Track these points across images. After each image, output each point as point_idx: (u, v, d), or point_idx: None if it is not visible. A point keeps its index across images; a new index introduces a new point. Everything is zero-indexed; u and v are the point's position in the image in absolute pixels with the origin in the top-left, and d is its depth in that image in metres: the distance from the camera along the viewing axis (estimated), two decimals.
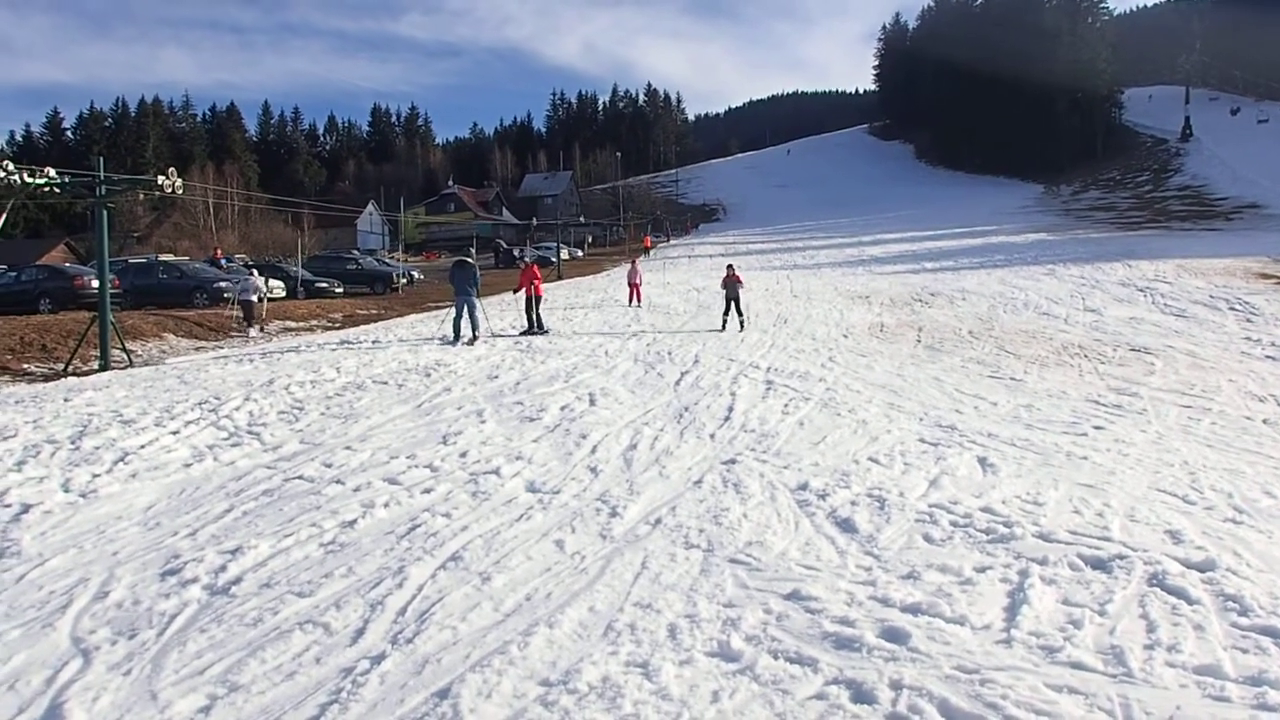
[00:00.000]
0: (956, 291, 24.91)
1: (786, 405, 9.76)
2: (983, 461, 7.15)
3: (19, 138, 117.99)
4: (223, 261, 30.48)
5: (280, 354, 15.09)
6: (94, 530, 5.47)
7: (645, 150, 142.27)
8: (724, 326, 17.72)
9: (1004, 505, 5.85)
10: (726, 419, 9.01)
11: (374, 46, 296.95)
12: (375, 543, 5.14)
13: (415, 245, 78.73)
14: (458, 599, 4.27)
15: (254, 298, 20.57)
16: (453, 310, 16.56)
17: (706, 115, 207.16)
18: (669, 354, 14.25)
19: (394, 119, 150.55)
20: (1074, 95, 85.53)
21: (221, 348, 17.35)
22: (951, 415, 9.33)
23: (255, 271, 22.96)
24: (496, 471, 6.78)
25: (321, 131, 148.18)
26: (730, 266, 19.01)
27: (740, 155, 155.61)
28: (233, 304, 21.34)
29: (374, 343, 16.69)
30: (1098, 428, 8.72)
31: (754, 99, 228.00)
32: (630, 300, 23.70)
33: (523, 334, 17.32)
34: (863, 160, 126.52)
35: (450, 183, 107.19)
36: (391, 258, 49.32)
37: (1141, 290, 23.84)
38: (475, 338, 15.88)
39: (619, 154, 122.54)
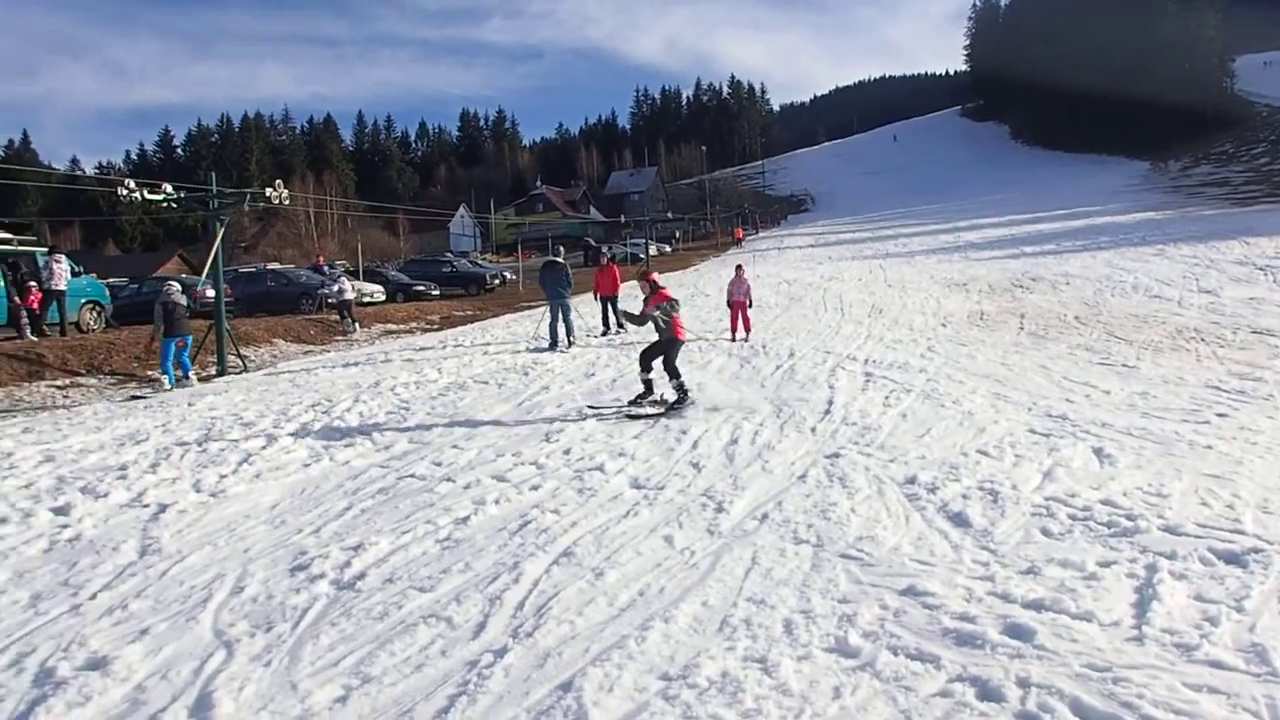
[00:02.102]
0: (1060, 276, 24.05)
1: (887, 397, 9.60)
2: (1099, 452, 6.91)
3: (134, 156, 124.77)
4: (325, 268, 31.56)
5: (383, 356, 15.58)
6: (225, 528, 5.76)
7: (730, 143, 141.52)
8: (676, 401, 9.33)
9: (1125, 497, 5.63)
10: (826, 412, 8.92)
11: (459, 52, 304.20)
12: (489, 539, 5.28)
13: (506, 245, 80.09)
14: (573, 594, 4.35)
15: (350, 297, 21.84)
16: (545, 314, 16.00)
17: (792, 104, 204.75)
18: (763, 347, 14.17)
19: (482, 123, 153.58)
20: (1181, 65, 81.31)
21: (328, 351, 18.00)
22: (1062, 404, 9.03)
23: (347, 274, 24.12)
24: (600, 468, 6.87)
25: (413, 138, 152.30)
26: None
27: (827, 144, 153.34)
28: (334, 307, 22.45)
29: (472, 343, 17.08)
30: (1221, 415, 8.31)
31: (840, 85, 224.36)
32: (734, 332, 15.68)
33: (602, 335, 16.99)
34: (955, 143, 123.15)
35: (538, 183, 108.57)
36: (485, 259, 50.33)
37: (1261, 269, 22.57)
38: (571, 343, 15.40)
39: (704, 148, 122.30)
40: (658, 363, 9.43)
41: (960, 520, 5.28)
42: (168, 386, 13.29)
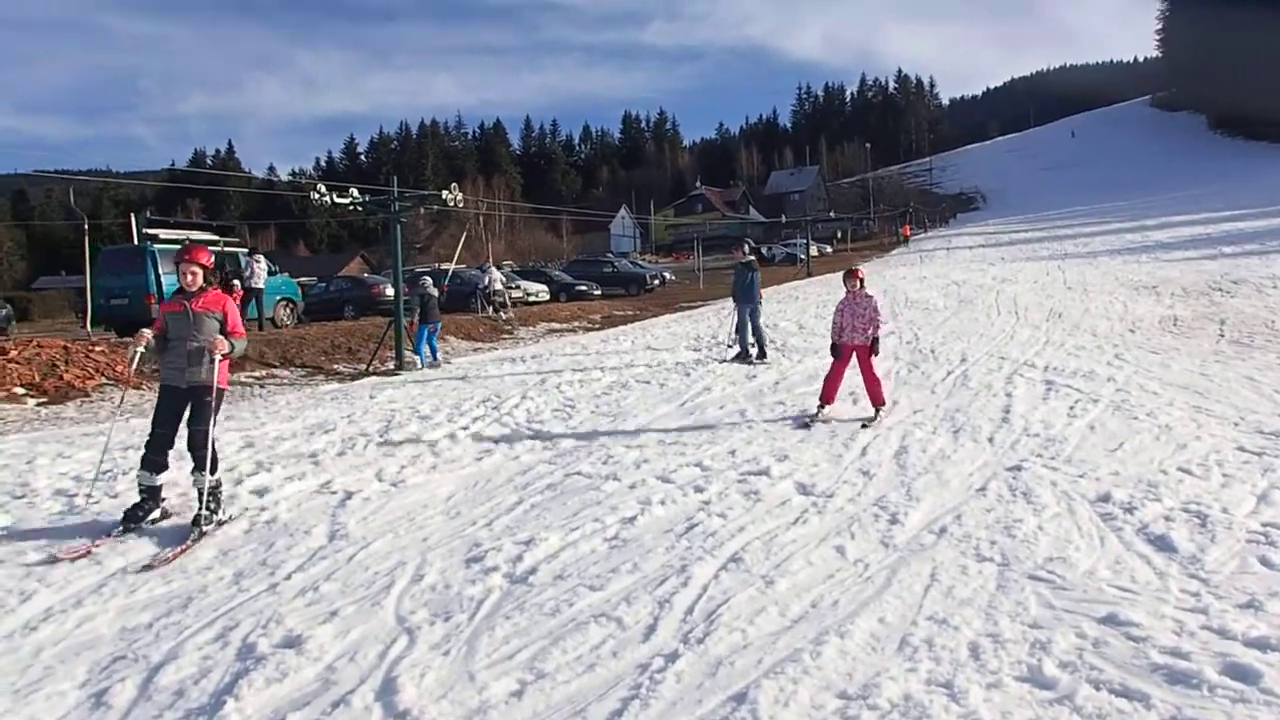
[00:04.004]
0: (1266, 279, 21.88)
1: (1072, 407, 8.99)
2: None
3: (323, 163, 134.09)
4: (492, 267, 32.84)
5: (548, 355, 15.97)
6: (405, 517, 6.02)
7: (896, 139, 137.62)
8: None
9: None
10: (1004, 421, 8.44)
11: (620, 56, 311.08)
12: (656, 540, 5.26)
13: (664, 246, 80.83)
14: (743, 601, 4.27)
15: (498, 287, 24.39)
16: (732, 319, 14.10)
17: (962, 98, 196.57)
18: (932, 352, 13.61)
19: (643, 124, 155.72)
20: None
21: (495, 349, 18.63)
22: (1275, 420, 8.18)
23: (493, 269, 25.85)
24: (766, 472, 6.74)
25: (577, 141, 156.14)
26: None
27: (1000, 138, 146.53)
28: (493, 301, 24.07)
29: (633, 343, 17.26)
30: None
31: (1015, 76, 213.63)
32: (829, 398, 8.97)
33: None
34: (1143, 135, 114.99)
35: (698, 183, 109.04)
36: (645, 260, 50.90)
37: None
38: (764, 353, 13.51)
39: (868, 145, 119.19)
40: (202, 430, 5.78)
41: (1164, 544, 4.85)
42: (420, 366, 15.62)
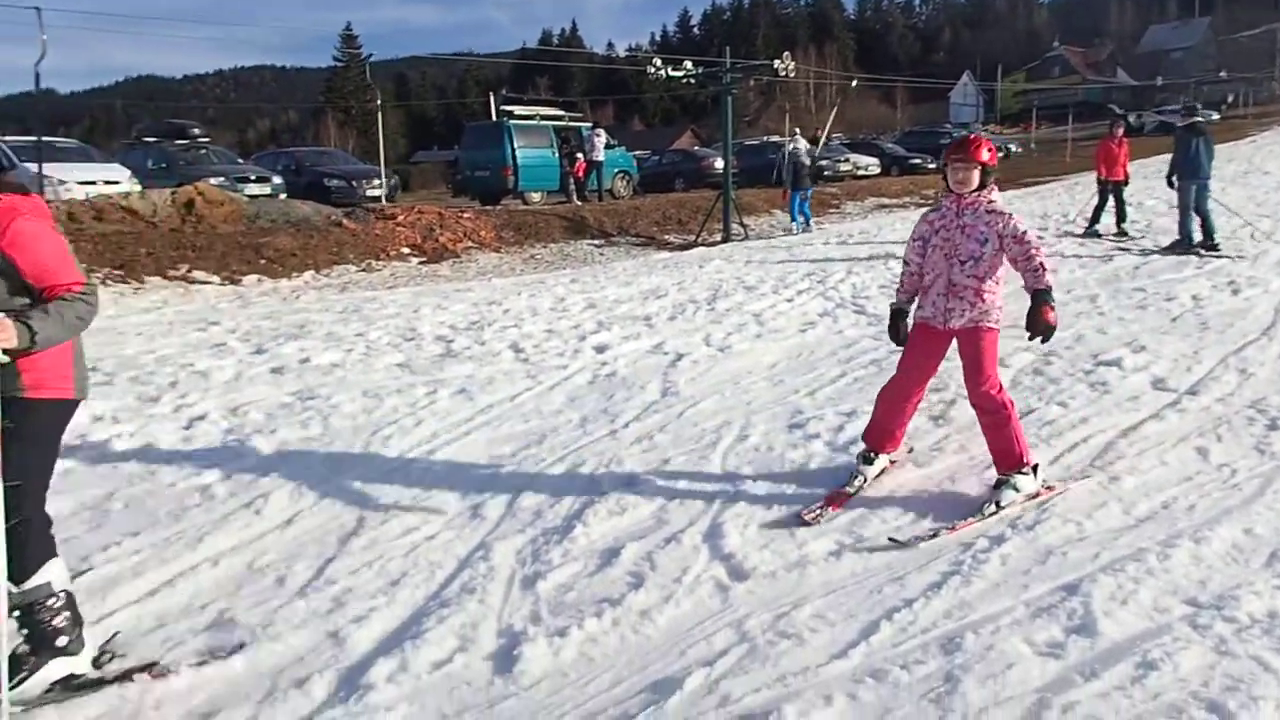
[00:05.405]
0: None
1: None
2: None
3: (657, 38, 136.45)
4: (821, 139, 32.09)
5: (876, 230, 15.50)
6: (730, 381, 6.27)
7: None
8: None
9: None
10: None
11: None
12: None
13: (1012, 115, 73.87)
14: (1080, 493, 4.02)
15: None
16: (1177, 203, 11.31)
17: None
18: None
19: None
20: None
21: (822, 225, 18.36)
22: None
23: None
24: (1117, 363, 6.13)
25: (917, 2, 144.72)
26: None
27: None
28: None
29: None
30: None
31: None
32: (891, 440, 4.46)
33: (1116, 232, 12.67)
34: None
35: (1055, 43, 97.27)
36: (989, 130, 47.11)
37: None
38: (1214, 243, 10.86)
39: None
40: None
41: None
42: (795, 231, 16.53)
